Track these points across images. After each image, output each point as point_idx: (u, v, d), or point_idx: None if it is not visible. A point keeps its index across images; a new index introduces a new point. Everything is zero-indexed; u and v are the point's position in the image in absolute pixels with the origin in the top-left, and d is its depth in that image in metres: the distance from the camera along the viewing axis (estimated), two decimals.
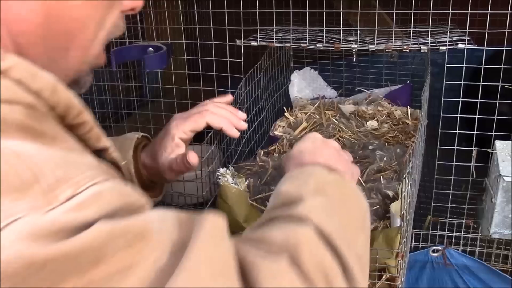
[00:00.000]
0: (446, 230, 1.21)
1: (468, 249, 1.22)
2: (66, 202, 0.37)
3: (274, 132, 1.33)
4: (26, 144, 0.40)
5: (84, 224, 0.37)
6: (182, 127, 0.84)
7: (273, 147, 1.25)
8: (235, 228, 0.90)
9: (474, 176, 1.15)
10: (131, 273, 0.38)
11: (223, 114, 0.85)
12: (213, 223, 0.45)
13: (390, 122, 1.39)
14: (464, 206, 1.18)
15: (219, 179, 0.91)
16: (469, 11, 0.99)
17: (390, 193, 0.98)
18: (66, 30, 0.50)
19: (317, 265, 0.49)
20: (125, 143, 0.84)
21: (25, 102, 0.42)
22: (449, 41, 1.03)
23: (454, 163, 1.13)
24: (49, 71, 0.47)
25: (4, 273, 0.34)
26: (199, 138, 0.97)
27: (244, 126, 0.87)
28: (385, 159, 1.12)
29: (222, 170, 0.92)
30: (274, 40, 1.15)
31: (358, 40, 1.09)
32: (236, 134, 0.86)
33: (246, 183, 0.95)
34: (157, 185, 0.87)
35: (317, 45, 1.09)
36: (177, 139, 0.83)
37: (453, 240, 1.22)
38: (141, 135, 0.86)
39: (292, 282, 0.46)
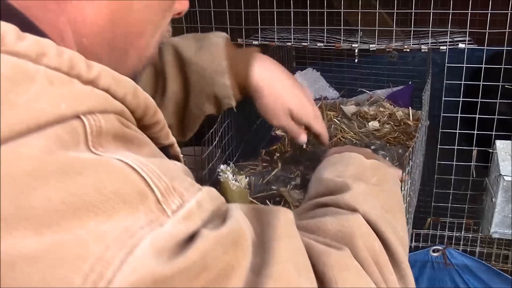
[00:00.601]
0: (446, 230, 1.22)
1: (468, 249, 1.22)
2: (176, 212, 0.38)
3: (276, 132, 1.34)
4: (124, 152, 0.40)
5: (191, 234, 0.38)
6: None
7: (274, 147, 1.25)
8: None
9: (474, 176, 1.15)
10: (230, 277, 0.39)
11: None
12: (286, 218, 0.48)
13: (392, 123, 1.39)
14: (464, 206, 1.18)
15: (220, 175, 0.92)
16: (469, 11, 1.00)
17: None
18: (127, 32, 0.52)
19: (370, 253, 0.54)
20: (212, 51, 0.87)
21: (116, 110, 0.42)
22: (450, 41, 1.04)
23: (454, 163, 1.13)
24: None
25: None
26: (198, 137, 0.98)
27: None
28: (387, 159, 1.12)
29: (222, 166, 0.93)
30: (276, 40, 1.15)
31: (359, 40, 1.10)
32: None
33: (247, 180, 0.96)
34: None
35: (318, 44, 1.10)
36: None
37: (453, 240, 1.22)
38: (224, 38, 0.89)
39: (358, 271, 0.51)
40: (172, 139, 0.52)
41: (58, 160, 0.35)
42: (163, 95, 0.89)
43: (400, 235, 0.60)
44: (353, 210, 0.59)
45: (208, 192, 0.42)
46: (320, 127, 0.96)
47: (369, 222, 0.57)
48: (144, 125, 0.47)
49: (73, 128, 0.37)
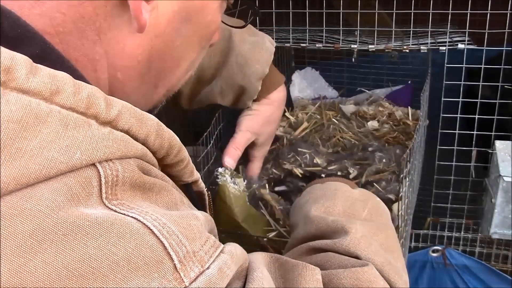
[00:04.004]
0: (446, 230, 1.21)
1: (468, 249, 1.21)
2: (194, 281, 0.35)
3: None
4: (142, 204, 0.36)
5: None
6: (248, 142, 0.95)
7: (273, 147, 1.25)
8: (233, 228, 0.90)
9: (474, 176, 1.15)
10: None
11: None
12: (313, 279, 0.46)
13: (391, 122, 1.38)
14: (464, 206, 1.18)
15: (218, 178, 0.91)
16: (468, 11, 0.99)
17: (392, 196, 0.97)
18: (162, 67, 0.49)
19: None
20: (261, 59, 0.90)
21: (136, 154, 0.38)
22: (449, 41, 1.03)
23: (454, 163, 1.13)
24: (134, 104, 0.44)
25: None
26: (196, 138, 0.97)
27: None
28: (384, 160, 1.12)
29: (221, 169, 0.92)
30: (274, 40, 1.15)
31: (358, 40, 1.09)
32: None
33: (245, 183, 0.95)
34: None
35: (317, 45, 1.09)
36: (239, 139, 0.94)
37: (453, 240, 1.22)
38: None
39: None
40: (196, 176, 0.49)
41: (65, 218, 0.32)
42: None
43: (403, 279, 0.58)
44: (355, 257, 0.56)
45: (231, 253, 0.40)
46: (251, 166, 1.01)
47: (379, 272, 0.55)
48: (166, 164, 0.44)
49: (87, 178, 0.34)
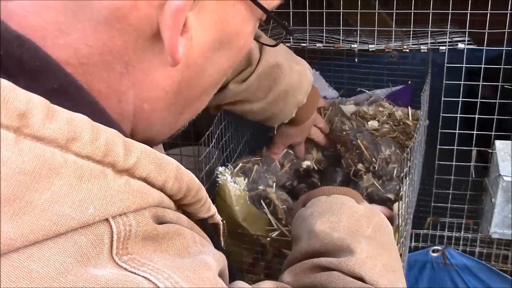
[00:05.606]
0: (446, 230, 1.21)
1: (468, 249, 1.21)
2: None
3: (275, 133, 1.33)
4: (152, 257, 0.35)
5: None
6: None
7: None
8: (234, 227, 0.90)
9: (474, 176, 1.15)
10: None
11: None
12: None
13: (391, 122, 1.38)
14: (463, 206, 1.18)
15: (218, 177, 0.91)
16: (468, 11, 0.99)
17: (392, 195, 0.98)
18: (190, 96, 0.48)
19: None
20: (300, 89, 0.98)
21: (152, 203, 0.36)
22: (449, 41, 1.03)
23: (454, 163, 1.13)
24: (158, 133, 0.44)
25: None
26: (196, 137, 0.97)
27: None
28: None
29: (221, 168, 0.93)
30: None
31: (358, 40, 1.09)
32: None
33: (245, 182, 0.95)
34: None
35: (317, 45, 1.09)
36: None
37: (453, 240, 1.21)
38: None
39: None
40: (213, 211, 0.48)
41: (74, 282, 0.30)
42: (240, 84, 0.93)
43: None
44: (359, 277, 0.57)
45: None
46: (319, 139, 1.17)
47: None
48: (183, 204, 0.43)
49: (98, 236, 0.32)
